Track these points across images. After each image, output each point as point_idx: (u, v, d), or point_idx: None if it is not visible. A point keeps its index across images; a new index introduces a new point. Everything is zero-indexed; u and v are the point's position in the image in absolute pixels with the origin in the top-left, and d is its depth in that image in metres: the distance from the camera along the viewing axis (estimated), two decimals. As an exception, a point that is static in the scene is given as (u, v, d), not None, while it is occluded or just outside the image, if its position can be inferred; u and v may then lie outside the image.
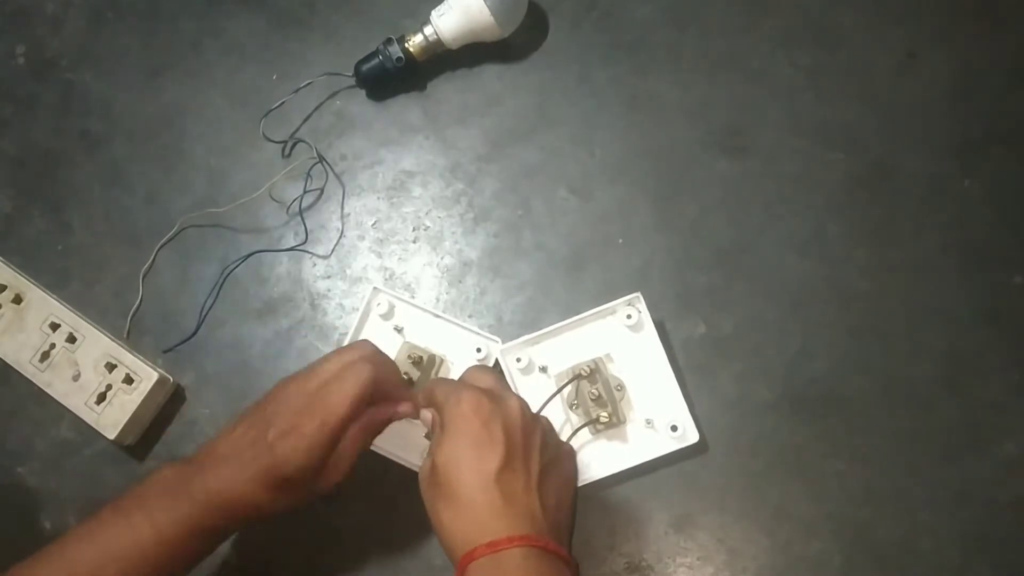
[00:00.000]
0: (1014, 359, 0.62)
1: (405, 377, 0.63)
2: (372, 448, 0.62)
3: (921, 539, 0.60)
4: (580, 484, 0.61)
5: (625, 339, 0.63)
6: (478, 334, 0.64)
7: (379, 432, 0.57)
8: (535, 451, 0.53)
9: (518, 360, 0.63)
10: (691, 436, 0.60)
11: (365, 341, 0.57)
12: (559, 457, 0.56)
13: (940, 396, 0.62)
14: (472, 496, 0.51)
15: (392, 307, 0.65)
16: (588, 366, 0.61)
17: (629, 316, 0.62)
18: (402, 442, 0.63)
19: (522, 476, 0.52)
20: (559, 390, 0.61)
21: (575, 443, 0.61)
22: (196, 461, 0.54)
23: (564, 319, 0.63)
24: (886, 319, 0.64)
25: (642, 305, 0.62)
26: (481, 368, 0.59)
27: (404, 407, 0.57)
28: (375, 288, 0.65)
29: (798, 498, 0.61)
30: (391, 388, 0.56)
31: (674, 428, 0.60)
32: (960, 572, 0.59)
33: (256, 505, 0.53)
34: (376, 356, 0.56)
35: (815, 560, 0.60)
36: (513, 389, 0.62)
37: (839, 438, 0.62)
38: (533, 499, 0.52)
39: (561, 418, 0.62)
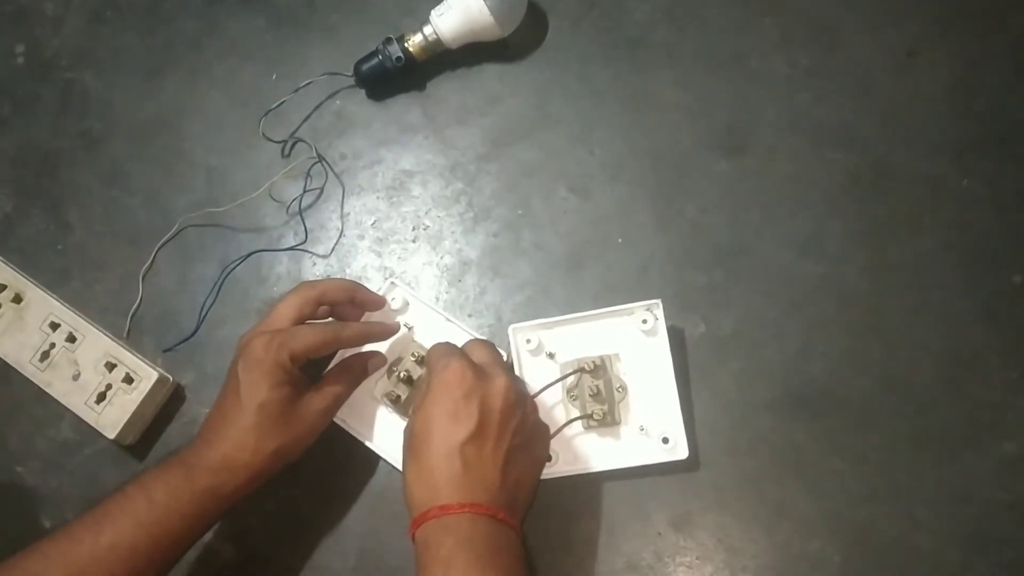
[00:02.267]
0: (1013, 358, 0.62)
1: (404, 374, 0.63)
2: (370, 447, 0.63)
3: (920, 538, 0.60)
4: (564, 474, 0.61)
5: (637, 342, 0.63)
6: None
7: (365, 372, 0.62)
8: (508, 431, 0.54)
9: (528, 341, 0.63)
10: (681, 452, 0.61)
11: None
12: (533, 440, 0.57)
13: (939, 395, 0.62)
14: (436, 462, 0.53)
15: (407, 303, 0.65)
16: (594, 361, 0.62)
17: (645, 321, 0.62)
18: (390, 437, 0.63)
19: (489, 451, 0.53)
20: (559, 379, 0.61)
21: (566, 433, 0.61)
22: (193, 441, 0.58)
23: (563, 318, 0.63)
24: (885, 319, 0.64)
25: (660, 312, 0.62)
26: (481, 342, 0.60)
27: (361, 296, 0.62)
28: (392, 282, 0.65)
29: (797, 497, 0.61)
30: (341, 295, 0.61)
31: (665, 440, 0.61)
32: (959, 571, 0.59)
33: (252, 451, 0.56)
34: (308, 282, 0.61)
35: (814, 559, 0.60)
36: (517, 370, 0.63)
37: (838, 437, 0.62)
38: (495, 473, 0.53)
39: (558, 406, 0.63)
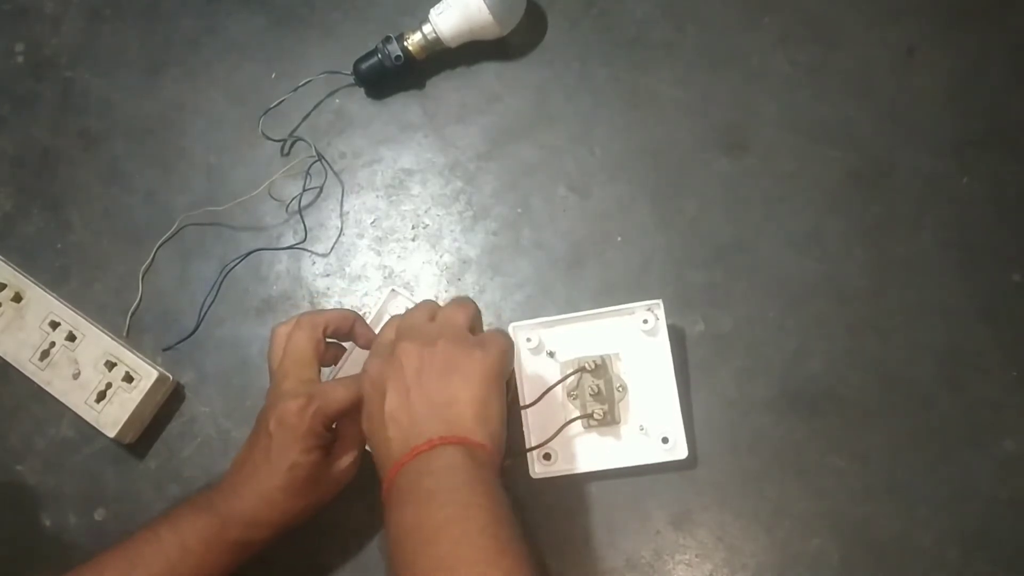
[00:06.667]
0: (1012, 357, 0.62)
1: None
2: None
3: (920, 536, 0.60)
4: (564, 473, 0.61)
5: (637, 342, 0.63)
6: None
7: None
8: (404, 369, 0.53)
9: (528, 339, 0.63)
10: (680, 452, 0.60)
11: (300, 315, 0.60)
12: (453, 359, 0.53)
13: (938, 393, 0.62)
14: (375, 434, 0.53)
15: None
16: (595, 361, 0.62)
17: (646, 321, 0.62)
18: None
19: (397, 398, 0.52)
20: (560, 380, 0.61)
21: (566, 432, 0.61)
22: (221, 484, 0.58)
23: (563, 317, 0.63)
24: (884, 317, 0.64)
25: (661, 312, 0.62)
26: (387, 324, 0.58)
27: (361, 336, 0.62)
28: (392, 290, 0.65)
29: (797, 495, 0.61)
30: (344, 325, 0.60)
31: (665, 440, 0.61)
32: (959, 569, 0.59)
33: (282, 511, 0.56)
34: (310, 314, 0.60)
35: (814, 557, 0.60)
36: (517, 368, 0.62)
37: (838, 435, 0.62)
38: (412, 414, 0.52)
39: (559, 405, 0.63)
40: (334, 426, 0.58)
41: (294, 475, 0.55)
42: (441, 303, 0.60)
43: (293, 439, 0.55)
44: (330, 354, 0.62)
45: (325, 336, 0.59)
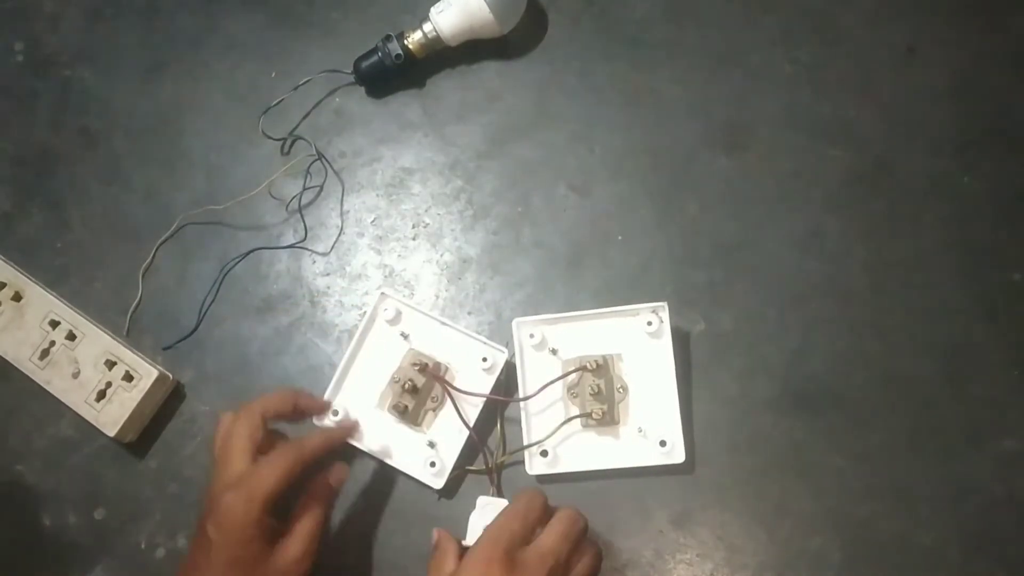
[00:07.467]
0: (1013, 356, 0.62)
1: (409, 384, 0.62)
2: (372, 453, 0.63)
3: (921, 535, 0.60)
4: (561, 471, 0.61)
5: (641, 344, 0.63)
6: (485, 343, 0.63)
7: (334, 493, 0.59)
8: None
9: (531, 336, 0.63)
10: (677, 456, 0.60)
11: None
12: None
13: (939, 393, 0.62)
14: None
15: (399, 313, 0.65)
16: (597, 360, 0.62)
17: (650, 323, 0.62)
18: (401, 448, 0.63)
19: None
20: (560, 377, 0.62)
21: (565, 431, 0.61)
22: None
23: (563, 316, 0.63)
24: (885, 316, 0.64)
25: (666, 315, 0.62)
26: (511, 517, 0.54)
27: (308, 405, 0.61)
28: (383, 293, 0.65)
29: (797, 494, 0.61)
30: (284, 407, 0.59)
31: (663, 443, 0.60)
32: (959, 568, 0.59)
33: None
34: (246, 405, 0.58)
35: (815, 556, 0.60)
36: (519, 365, 0.62)
37: (838, 435, 0.62)
38: None
39: (558, 403, 0.63)
40: (290, 531, 0.56)
41: (236, 572, 0.53)
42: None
43: (229, 532, 0.52)
44: (267, 444, 0.58)
45: (266, 422, 0.58)
